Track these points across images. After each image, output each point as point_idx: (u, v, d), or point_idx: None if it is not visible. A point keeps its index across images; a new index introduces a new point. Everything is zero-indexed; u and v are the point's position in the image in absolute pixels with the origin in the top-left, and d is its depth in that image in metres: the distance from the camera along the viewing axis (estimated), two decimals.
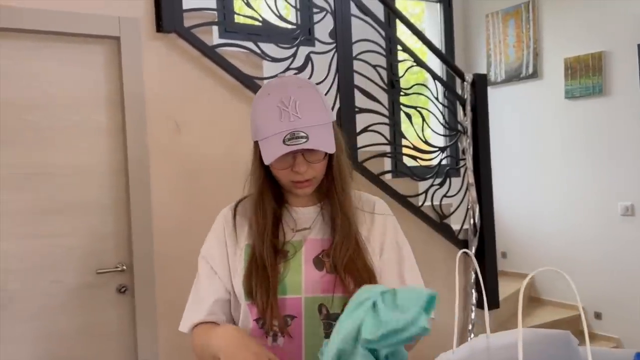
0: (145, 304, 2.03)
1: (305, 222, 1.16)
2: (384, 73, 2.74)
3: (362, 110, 2.63)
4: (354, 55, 2.60)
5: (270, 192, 1.15)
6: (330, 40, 2.55)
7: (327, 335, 1.02)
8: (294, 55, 2.42)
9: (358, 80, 2.61)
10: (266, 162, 1.04)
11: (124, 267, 2.02)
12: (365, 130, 2.64)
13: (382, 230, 1.19)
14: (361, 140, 2.63)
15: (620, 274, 3.76)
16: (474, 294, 2.97)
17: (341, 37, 2.55)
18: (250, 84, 2.27)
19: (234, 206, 1.22)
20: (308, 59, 2.47)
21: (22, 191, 1.88)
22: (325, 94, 2.43)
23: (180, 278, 2.15)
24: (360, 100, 2.62)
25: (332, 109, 2.54)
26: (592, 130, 3.94)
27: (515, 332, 0.61)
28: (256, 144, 1.11)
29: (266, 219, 1.12)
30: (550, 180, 4.23)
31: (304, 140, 1.02)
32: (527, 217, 4.40)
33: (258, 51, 2.34)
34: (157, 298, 2.05)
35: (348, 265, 1.10)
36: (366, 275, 1.11)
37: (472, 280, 2.98)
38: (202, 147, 2.19)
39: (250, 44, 2.34)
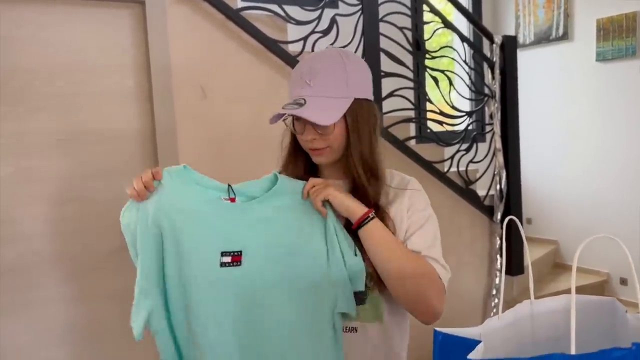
0: None
1: None
2: (410, 36, 2.67)
3: (388, 75, 2.59)
4: (379, 17, 2.54)
5: (297, 160, 1.19)
6: (356, 2, 2.49)
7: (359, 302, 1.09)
8: (319, 18, 2.38)
9: (384, 43, 2.56)
10: (270, 123, 1.12)
11: None
12: (390, 95, 2.60)
13: (408, 204, 1.17)
14: (386, 105, 2.59)
15: None
16: (499, 260, 2.96)
17: None
18: (275, 48, 2.24)
19: None
20: (333, 21, 2.42)
21: (54, 157, 1.91)
22: None
23: None
24: (385, 64, 2.58)
25: None
26: (623, 93, 3.82)
27: (559, 299, 0.60)
28: None
29: None
30: (578, 145, 4.15)
31: (297, 107, 1.03)
32: (553, 183, 4.34)
33: (282, 14, 2.30)
34: None
35: None
36: None
37: (497, 246, 2.98)
38: (229, 112, 2.19)
39: (274, 7, 2.30)
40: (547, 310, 0.61)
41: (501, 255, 2.94)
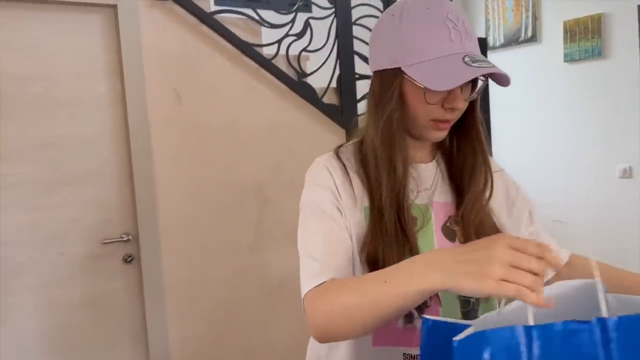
0: (152, 272, 2.05)
1: (426, 181, 0.96)
2: None
3: (362, 77, 2.61)
4: (353, 20, 2.56)
5: (403, 140, 0.89)
6: (329, 5, 2.50)
7: (465, 315, 0.90)
8: (293, 21, 2.39)
9: (357, 46, 2.58)
10: (443, 88, 0.80)
11: (130, 237, 2.03)
12: (365, 97, 2.62)
13: (503, 187, 1.06)
14: (361, 107, 2.61)
15: (616, 235, 3.80)
16: None
17: (340, 1, 2.50)
18: (249, 51, 2.24)
19: (336, 155, 0.95)
20: (307, 25, 2.43)
21: (27, 163, 1.88)
22: (325, 61, 2.43)
23: (185, 247, 2.17)
24: (360, 67, 2.60)
25: (333, 74, 2.52)
26: (591, 93, 3.93)
27: (548, 288, 0.59)
28: (389, 73, 0.89)
29: (397, 176, 0.87)
30: (548, 143, 4.24)
31: (487, 63, 0.80)
32: (523, 184, 4.41)
33: (256, 17, 2.30)
34: (163, 266, 2.07)
35: (478, 230, 0.92)
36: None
37: None
38: (204, 116, 2.18)
39: (248, 10, 2.30)
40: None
41: None
